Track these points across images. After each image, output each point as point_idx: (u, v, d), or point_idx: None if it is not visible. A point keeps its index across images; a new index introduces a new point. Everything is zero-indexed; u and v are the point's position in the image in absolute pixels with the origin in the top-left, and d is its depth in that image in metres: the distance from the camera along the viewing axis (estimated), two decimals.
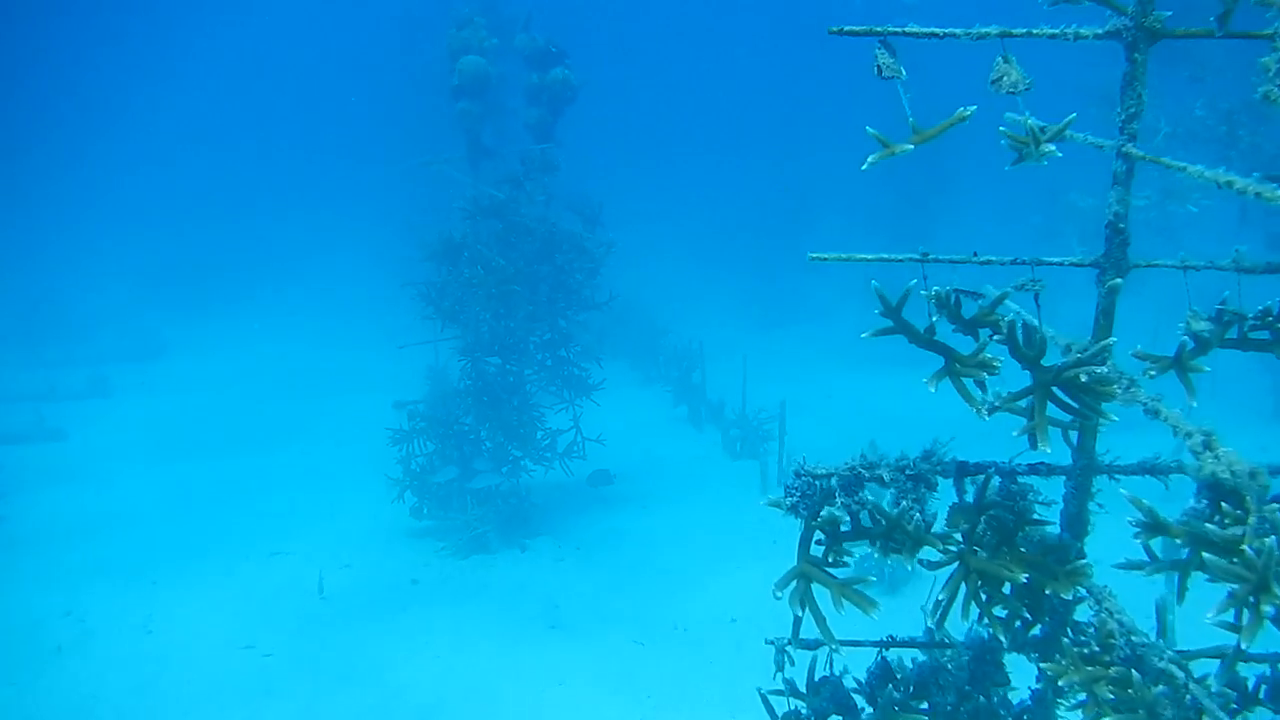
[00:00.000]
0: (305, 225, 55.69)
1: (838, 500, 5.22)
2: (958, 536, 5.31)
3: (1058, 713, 5.75)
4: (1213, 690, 4.92)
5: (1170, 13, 5.07)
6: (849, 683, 6.03)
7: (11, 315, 38.65)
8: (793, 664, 5.98)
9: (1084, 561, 5.25)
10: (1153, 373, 5.10)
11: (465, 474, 19.19)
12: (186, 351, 36.88)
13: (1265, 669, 5.52)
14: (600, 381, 21.00)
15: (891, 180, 35.05)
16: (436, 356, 24.98)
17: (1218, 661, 5.27)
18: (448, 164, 22.09)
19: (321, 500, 21.68)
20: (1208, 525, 4.50)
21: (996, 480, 5.36)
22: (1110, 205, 5.09)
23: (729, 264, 45.64)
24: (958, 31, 4.89)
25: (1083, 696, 5.05)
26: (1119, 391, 4.97)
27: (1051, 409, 5.05)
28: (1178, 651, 5.12)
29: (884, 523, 5.19)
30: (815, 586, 5.21)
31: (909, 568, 5.13)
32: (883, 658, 5.93)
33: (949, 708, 5.79)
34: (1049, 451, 4.94)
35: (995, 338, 5.10)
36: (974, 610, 5.28)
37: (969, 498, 5.33)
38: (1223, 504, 4.60)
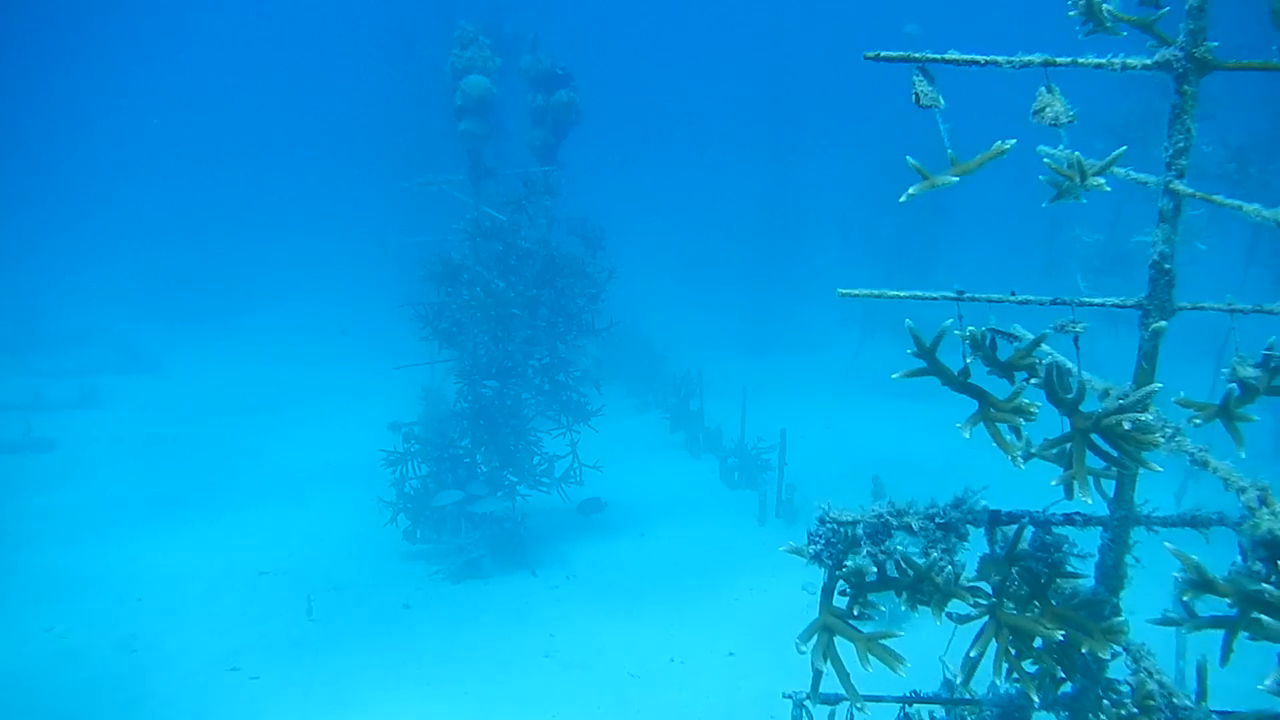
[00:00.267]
0: (300, 243, 55.48)
1: (863, 549, 4.95)
2: (987, 589, 5.05)
3: None
4: None
5: (1216, 43, 4.85)
6: None
7: (1, 324, 38.34)
8: None
9: (1121, 619, 5.00)
10: (1198, 421, 4.86)
11: (468, 498, 18.89)
12: (178, 365, 36.47)
13: None
14: (599, 408, 20.73)
15: (890, 207, 34.85)
16: (432, 378, 24.69)
17: None
18: (448, 184, 21.88)
19: (312, 520, 21.33)
20: (1265, 585, 4.24)
21: (1030, 530, 5.10)
22: (1155, 244, 4.86)
23: (725, 288, 45.43)
24: (1000, 59, 4.67)
25: None
26: (1162, 441, 4.73)
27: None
28: (1219, 714, 4.86)
29: (912, 574, 4.92)
30: (839, 639, 4.94)
31: (938, 622, 4.87)
32: (905, 715, 5.66)
33: None
34: (1089, 502, 4.69)
35: (1032, 381, 4.86)
36: (1004, 666, 5.02)
37: (1000, 549, 5.08)
38: None
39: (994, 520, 5.09)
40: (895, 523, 4.99)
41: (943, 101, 4.70)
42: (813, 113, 46.24)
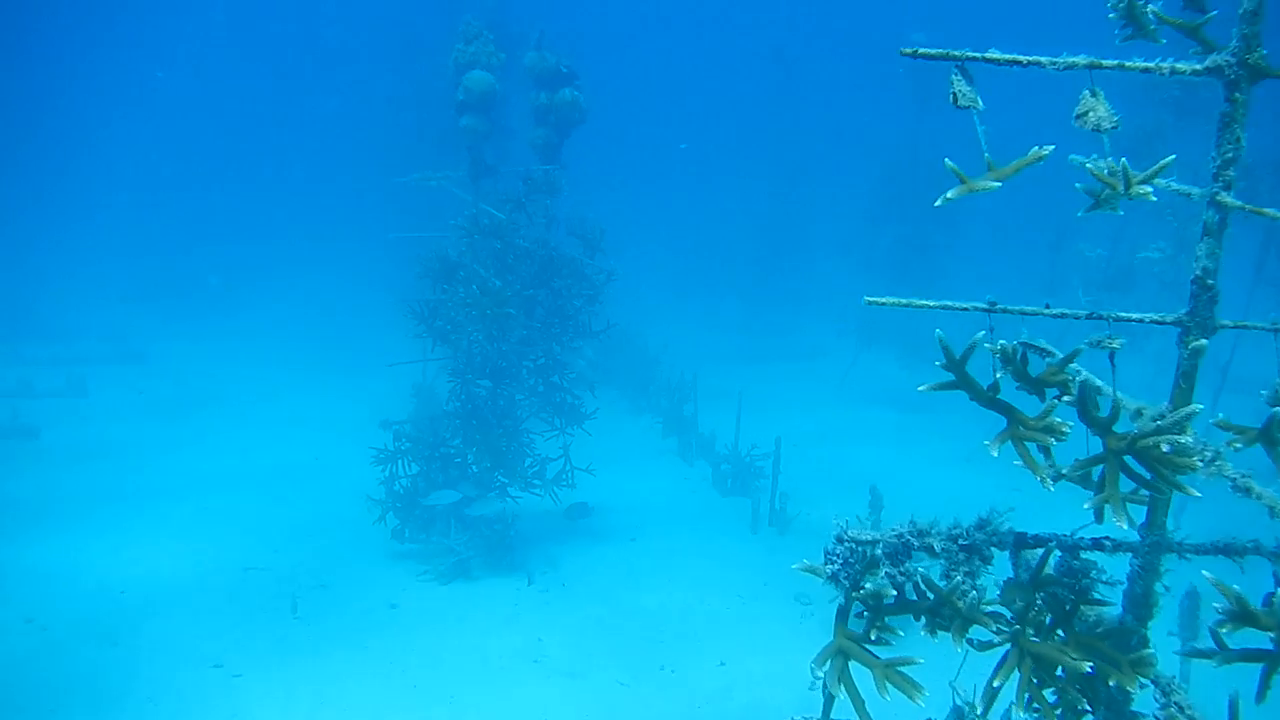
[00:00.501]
0: (297, 237, 55.24)
1: (881, 570, 4.71)
2: (1009, 615, 4.82)
3: None
4: None
5: (1266, 50, 4.63)
6: None
7: None
8: None
9: (1149, 651, 4.76)
10: (1238, 445, 4.63)
11: (463, 500, 18.62)
12: (168, 358, 36.17)
13: None
14: (593, 411, 20.47)
15: (891, 218, 34.57)
16: (424, 376, 24.41)
17: None
18: (448, 180, 21.61)
19: (298, 516, 21.04)
20: None
21: (1056, 554, 4.86)
22: (1198, 259, 4.63)
23: (723, 295, 45.26)
24: (1042, 60, 4.44)
25: None
26: (1200, 465, 4.49)
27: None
28: None
29: (933, 597, 4.68)
30: (854, 664, 4.70)
31: (959, 650, 4.63)
32: None
33: None
34: (1124, 527, 4.46)
35: (1064, 399, 4.62)
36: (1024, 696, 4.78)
37: (1025, 573, 4.84)
38: None
39: (1019, 543, 4.85)
40: (916, 543, 4.75)
41: (981, 103, 4.47)
42: (817, 121, 46.17)
